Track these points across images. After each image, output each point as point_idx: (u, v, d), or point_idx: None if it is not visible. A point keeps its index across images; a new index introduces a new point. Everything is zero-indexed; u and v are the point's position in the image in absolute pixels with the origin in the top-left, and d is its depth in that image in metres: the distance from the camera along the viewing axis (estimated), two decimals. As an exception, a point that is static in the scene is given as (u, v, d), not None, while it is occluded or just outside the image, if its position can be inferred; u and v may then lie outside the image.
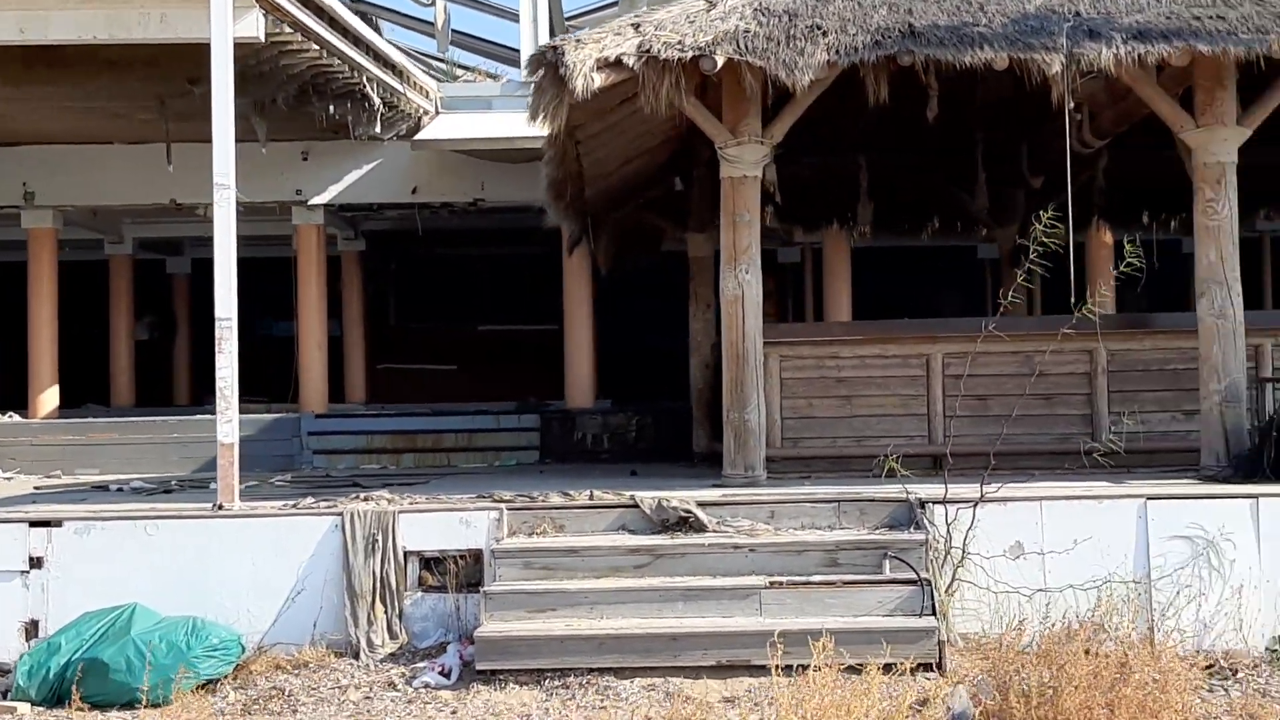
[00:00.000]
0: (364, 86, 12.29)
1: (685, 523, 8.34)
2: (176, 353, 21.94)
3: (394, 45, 15.61)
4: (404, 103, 14.41)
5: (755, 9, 9.67)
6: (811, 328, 11.70)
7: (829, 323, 11.31)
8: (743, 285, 9.93)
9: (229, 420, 8.68)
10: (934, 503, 8.33)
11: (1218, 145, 9.79)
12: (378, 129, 14.14)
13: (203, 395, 19.44)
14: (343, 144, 15.46)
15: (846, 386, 11.06)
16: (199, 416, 15.66)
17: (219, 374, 8.71)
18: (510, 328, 21.02)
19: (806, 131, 10.58)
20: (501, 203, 16.49)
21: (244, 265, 16.31)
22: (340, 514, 8.33)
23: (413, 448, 15.57)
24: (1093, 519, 8.27)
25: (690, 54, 9.09)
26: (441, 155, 15.85)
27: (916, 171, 14.48)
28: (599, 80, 9.03)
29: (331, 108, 12.81)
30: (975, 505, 8.26)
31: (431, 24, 19.97)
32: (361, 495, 8.96)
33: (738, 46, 9.17)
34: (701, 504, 8.47)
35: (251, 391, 17.56)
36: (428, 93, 15.35)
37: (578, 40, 9.02)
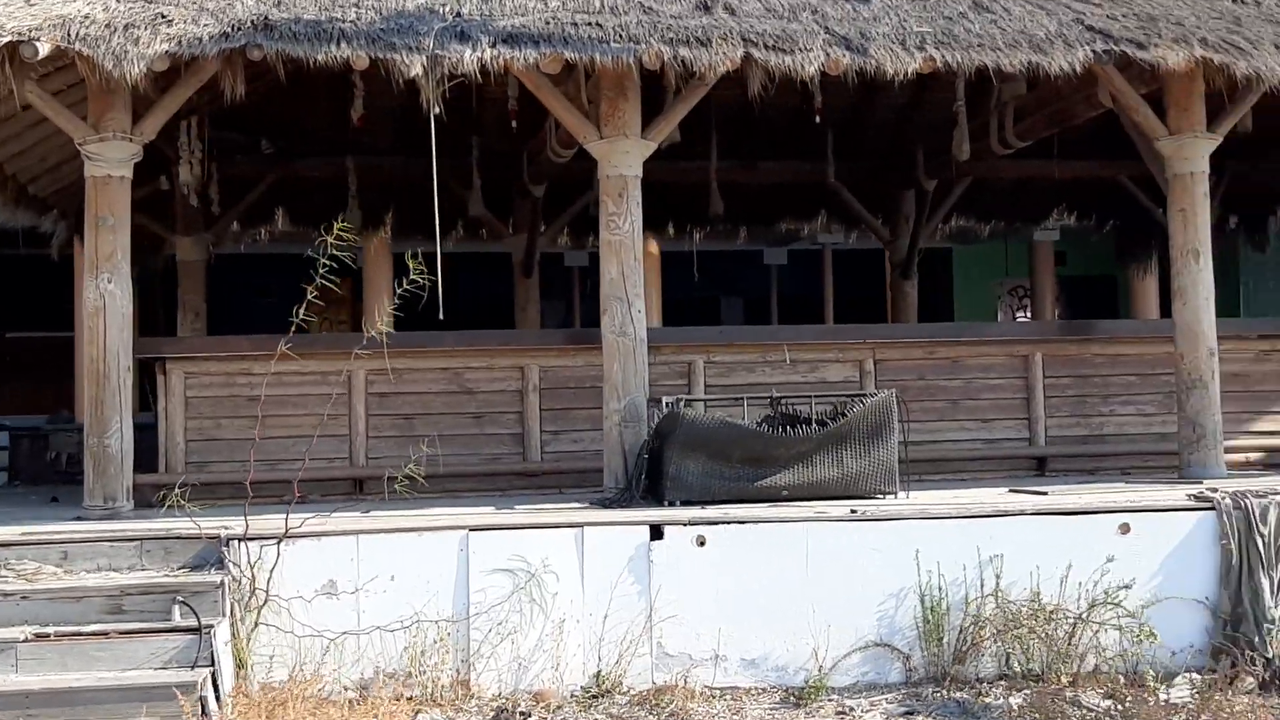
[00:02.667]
0: None
1: (-40, 567, 7.38)
2: None
3: None
4: None
5: (108, -6, 8.80)
6: (221, 341, 10.84)
7: (240, 337, 10.47)
8: (105, 296, 9.03)
9: None
10: (239, 540, 7.58)
11: (618, 158, 9.40)
12: None
13: None
14: None
15: (260, 406, 10.25)
16: None
17: None
18: (40, 335, 19.51)
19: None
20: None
21: None
22: None
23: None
24: (413, 553, 7.69)
25: (7, 39, 8.14)
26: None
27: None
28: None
29: None
30: (279, 542, 7.57)
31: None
32: None
33: (68, 33, 8.26)
34: (-6, 544, 7.54)
35: None
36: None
37: None
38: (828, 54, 8.85)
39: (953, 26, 9.18)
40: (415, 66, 8.43)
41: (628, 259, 9.44)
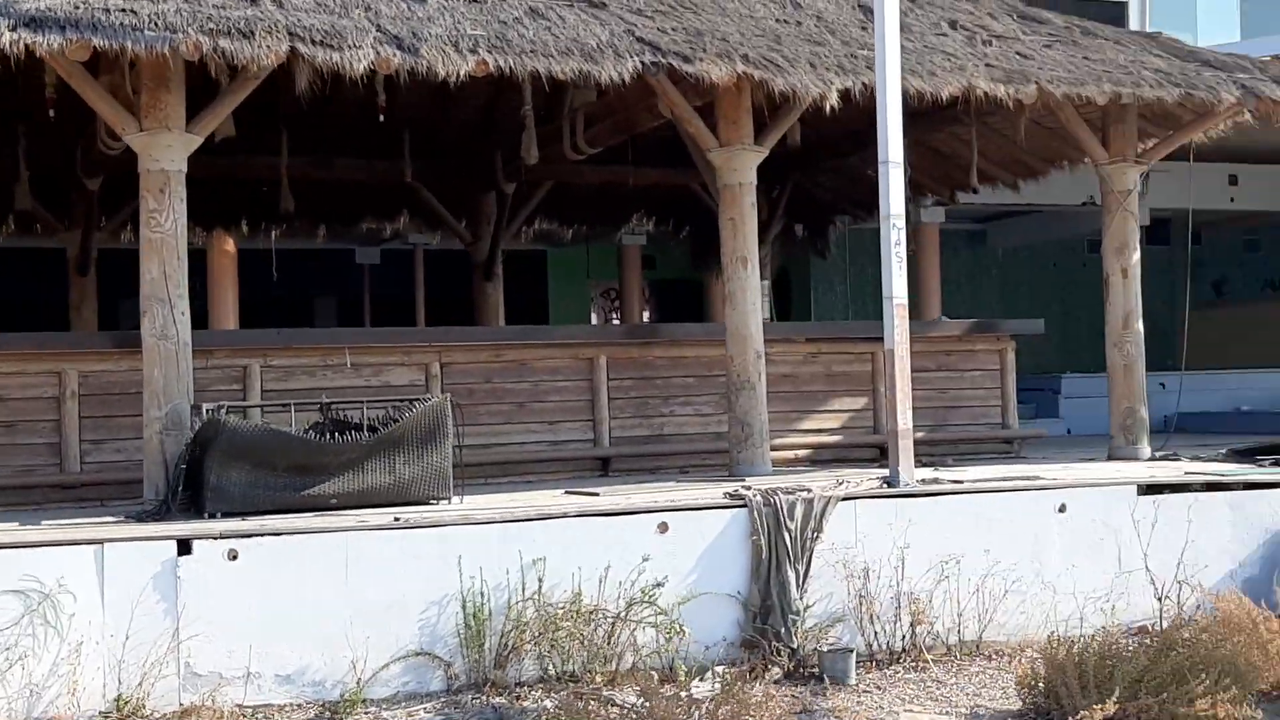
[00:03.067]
0: None
1: None
2: None
3: None
4: None
5: None
6: None
7: None
8: None
9: None
10: None
11: (160, 152, 8.96)
12: None
13: None
14: None
15: None
16: None
17: None
18: None
19: None
20: None
21: None
22: None
23: None
24: (-90, 577, 7.06)
25: None
26: None
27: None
28: None
29: None
30: None
31: None
32: None
33: None
34: None
35: None
36: None
37: None
38: (378, 52, 8.67)
39: (507, 31, 9.17)
40: (-77, 48, 7.76)
41: (170, 258, 9.00)
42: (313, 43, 8.57)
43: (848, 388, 11.97)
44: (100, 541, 7.31)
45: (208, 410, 8.63)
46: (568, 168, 13.67)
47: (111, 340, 10.27)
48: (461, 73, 8.81)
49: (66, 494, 9.83)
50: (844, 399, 11.97)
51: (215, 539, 7.46)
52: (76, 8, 8.33)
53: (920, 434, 10.41)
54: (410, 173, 13.99)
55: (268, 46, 8.45)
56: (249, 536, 7.52)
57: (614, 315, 22.37)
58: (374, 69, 8.72)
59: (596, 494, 9.02)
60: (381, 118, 10.28)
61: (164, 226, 9.00)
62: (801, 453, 11.70)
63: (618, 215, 16.75)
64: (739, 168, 10.35)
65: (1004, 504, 8.86)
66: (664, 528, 8.12)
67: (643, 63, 9.26)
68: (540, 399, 11.06)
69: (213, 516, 8.31)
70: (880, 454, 11.93)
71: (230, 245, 16.43)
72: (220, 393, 10.11)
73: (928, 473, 9.61)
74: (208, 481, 8.44)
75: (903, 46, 9.87)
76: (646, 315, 21.77)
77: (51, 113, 10.05)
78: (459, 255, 16.78)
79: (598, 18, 9.69)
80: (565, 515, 7.98)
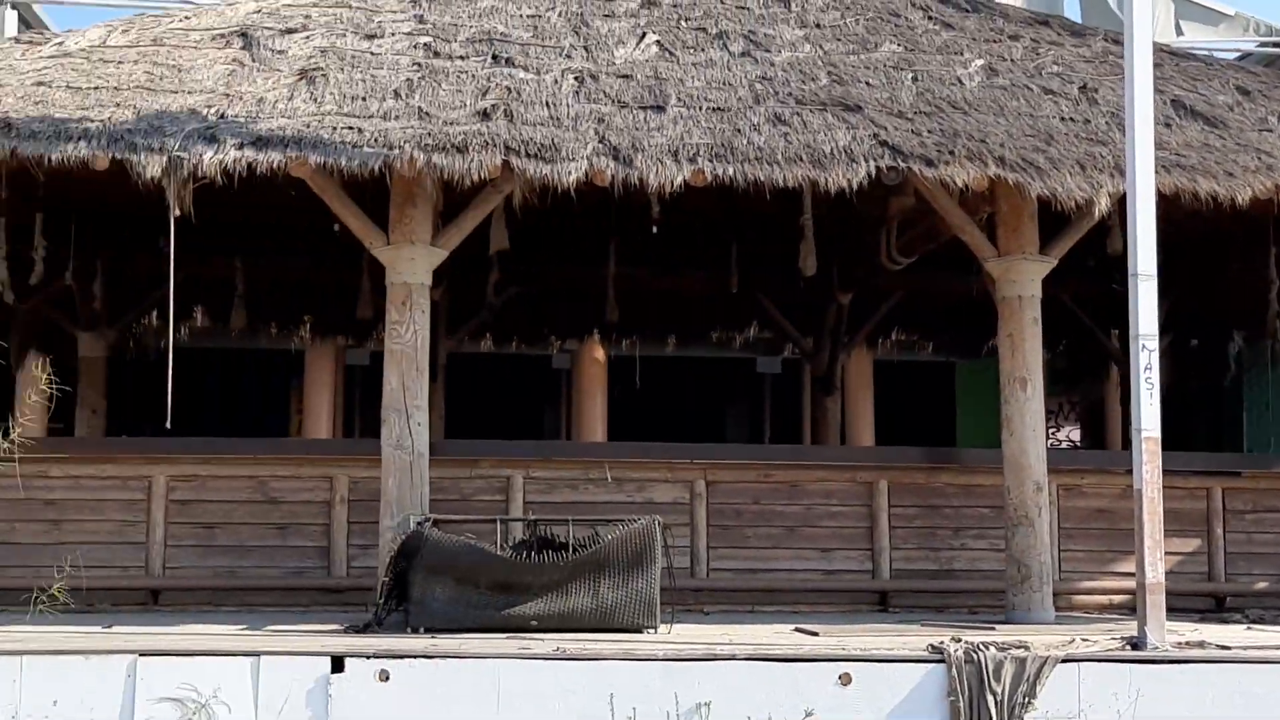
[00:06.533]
0: None
1: None
2: None
3: None
4: None
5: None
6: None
7: (40, 438, 10.30)
8: None
9: None
10: (-107, 656, 7.27)
11: (404, 265, 9.11)
12: None
13: None
14: None
15: (56, 509, 10.06)
16: None
17: None
18: None
19: None
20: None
21: None
22: None
23: None
24: (79, 677, 7.28)
25: None
26: None
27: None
28: None
29: None
30: (-70, 659, 7.24)
31: None
32: None
33: None
34: None
35: None
36: None
37: None
38: (592, 163, 8.48)
39: (736, 139, 8.75)
40: (154, 167, 8.22)
41: (409, 369, 9.10)
42: (526, 156, 8.48)
43: (1177, 527, 10.54)
44: (257, 653, 7.33)
45: (415, 522, 8.59)
46: (914, 276, 12.92)
47: (378, 448, 10.47)
48: (676, 182, 8.46)
49: (333, 598, 10.06)
50: (1171, 540, 10.51)
51: (368, 658, 7.31)
52: (307, 126, 8.62)
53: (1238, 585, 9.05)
54: (740, 282, 13.65)
55: (480, 160, 8.42)
56: (400, 658, 7.33)
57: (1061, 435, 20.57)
58: (588, 180, 8.51)
59: (816, 633, 8.29)
60: (654, 229, 10.06)
61: (404, 339, 9.11)
62: (1116, 599, 10.41)
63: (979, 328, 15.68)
64: (1018, 279, 9.41)
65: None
66: (846, 679, 7.30)
67: (878, 167, 8.59)
68: (813, 524, 10.40)
69: (415, 632, 8.24)
70: (1218, 605, 10.49)
71: (599, 354, 16.63)
72: (484, 503, 10.13)
73: (1193, 631, 8.26)
74: (412, 595, 8.39)
75: (1207, 144, 8.73)
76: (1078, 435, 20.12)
77: (336, 227, 10.48)
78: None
79: (846, 121, 9.10)
80: (733, 658, 7.32)
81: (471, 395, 16.89)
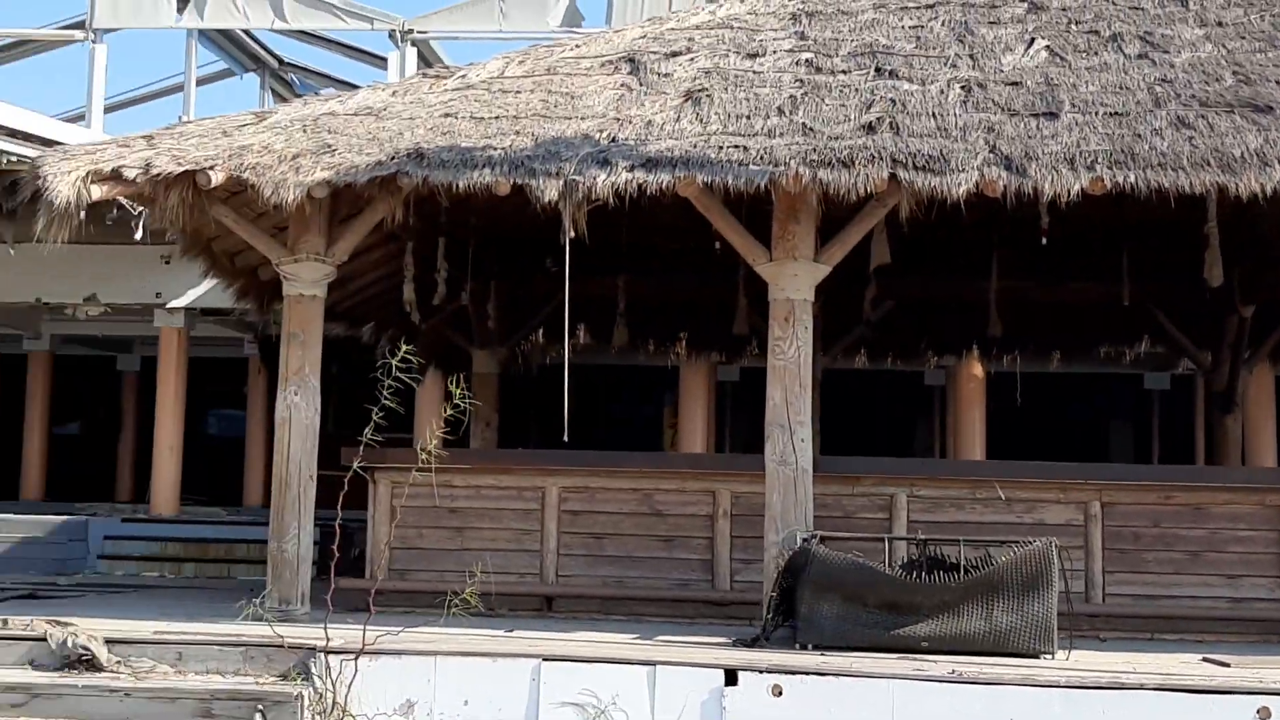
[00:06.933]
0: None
1: (85, 660, 7.96)
2: (121, 450, 22.34)
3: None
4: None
5: (302, 125, 9.44)
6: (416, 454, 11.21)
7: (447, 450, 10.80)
8: (291, 408, 9.58)
9: None
10: (324, 652, 7.78)
11: (786, 281, 9.15)
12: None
13: (144, 492, 19.69)
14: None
15: (459, 517, 10.55)
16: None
17: None
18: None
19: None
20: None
21: (195, 365, 17.07)
22: None
23: (203, 557, 15.42)
24: (487, 678, 7.63)
25: (184, 168, 8.87)
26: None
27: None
28: (98, 192, 8.88)
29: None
30: (357, 657, 7.69)
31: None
32: None
33: (240, 163, 8.91)
34: (114, 641, 8.08)
35: (193, 490, 17.87)
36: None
37: (67, 153, 8.89)
38: (983, 174, 8.30)
39: (1137, 145, 8.39)
40: (551, 191, 8.53)
41: (792, 385, 9.12)
42: (914, 168, 8.38)
43: None
44: (653, 663, 7.48)
45: (801, 539, 8.59)
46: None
47: (760, 463, 10.53)
48: (1073, 191, 8.17)
49: (717, 610, 10.15)
50: None
51: (761, 672, 7.37)
52: (694, 146, 8.77)
53: None
54: (1132, 293, 13.07)
55: (866, 174, 8.37)
56: (793, 673, 7.35)
57: None
58: (978, 191, 8.32)
59: (1227, 664, 7.83)
60: (1044, 240, 9.76)
61: (787, 354, 9.14)
62: None
63: None
64: None
65: None
66: (1265, 714, 6.86)
67: (1293, 170, 8.05)
68: (1218, 548, 9.82)
69: (804, 648, 8.25)
70: None
71: (978, 369, 16.30)
72: (866, 520, 10.04)
73: None
74: (799, 612, 8.39)
75: None
76: None
77: (717, 245, 10.62)
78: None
79: (1256, 123, 8.58)
80: (1140, 688, 6.99)
81: (844, 411, 16.82)
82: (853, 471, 10.16)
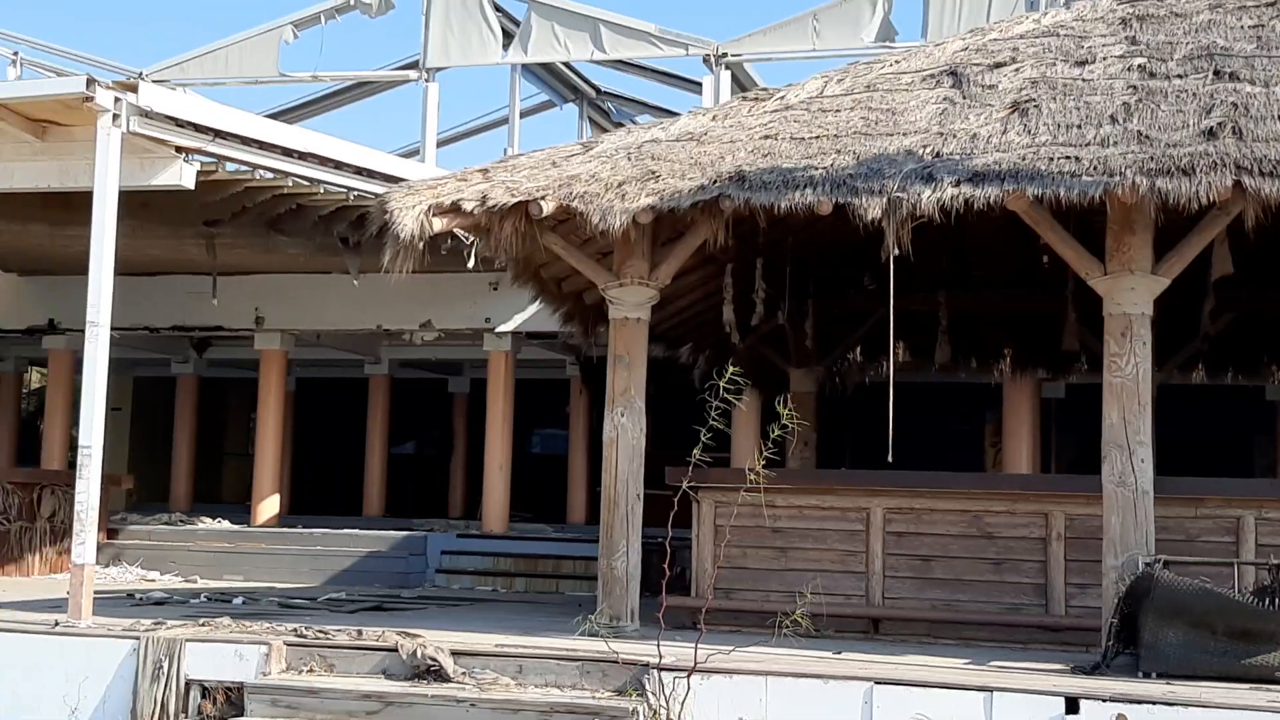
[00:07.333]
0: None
1: (433, 671, 8.31)
2: (453, 468, 23.35)
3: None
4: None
5: (627, 153, 9.66)
6: (743, 473, 11.23)
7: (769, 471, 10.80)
8: (618, 429, 9.81)
9: (83, 542, 9.43)
10: (656, 669, 7.89)
11: (1122, 295, 8.85)
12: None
13: (475, 509, 20.60)
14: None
15: (782, 538, 10.58)
16: (344, 530, 16.77)
17: (78, 498, 9.49)
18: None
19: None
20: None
21: (520, 387, 17.84)
22: (137, 639, 8.83)
23: (532, 572, 15.91)
24: (819, 700, 7.59)
25: (517, 199, 9.18)
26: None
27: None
28: (438, 225, 9.29)
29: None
30: (689, 675, 7.77)
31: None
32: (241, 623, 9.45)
33: (569, 192, 9.17)
34: (459, 653, 8.41)
35: (519, 506, 18.61)
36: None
37: (410, 189, 9.33)
38: (1337, 178, 7.82)
39: None
40: (874, 209, 8.48)
41: (1130, 404, 8.82)
42: (1261, 174, 7.98)
43: None
44: (989, 689, 7.31)
45: (1143, 564, 8.25)
46: None
47: (1095, 484, 10.17)
48: None
49: (1050, 636, 9.86)
50: None
51: (1104, 701, 7.11)
52: (1022, 159, 8.56)
53: None
54: None
55: (1208, 182, 8.01)
56: (1138, 703, 7.06)
57: None
58: (1336, 196, 7.85)
59: None
60: None
61: (1124, 371, 8.84)
62: None
63: None
64: None
65: None
66: None
67: None
68: None
69: (1147, 676, 7.93)
70: None
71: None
72: (1210, 544, 9.61)
73: None
74: (1142, 639, 8.07)
75: None
76: None
77: (1045, 259, 10.35)
78: None
79: None
80: None
81: (1177, 428, 16.13)
82: (1195, 493, 9.72)
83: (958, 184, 8.38)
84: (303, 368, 22.01)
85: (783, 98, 10.28)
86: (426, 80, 18.88)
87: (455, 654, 8.37)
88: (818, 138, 9.42)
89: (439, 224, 9.25)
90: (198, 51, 19.88)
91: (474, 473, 20.20)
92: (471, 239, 10.83)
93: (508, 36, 18.64)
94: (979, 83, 9.88)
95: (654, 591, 14.77)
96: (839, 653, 8.66)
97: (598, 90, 21.97)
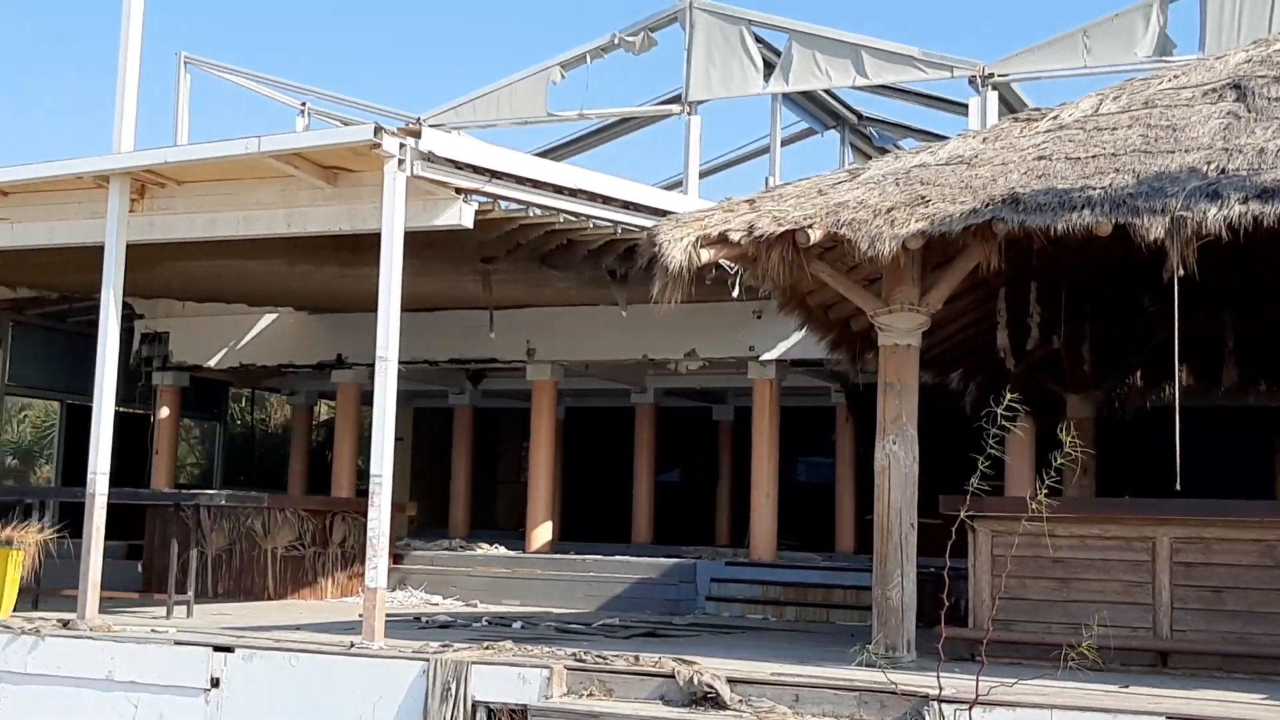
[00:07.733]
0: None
1: (709, 698, 8.39)
2: (719, 495, 23.54)
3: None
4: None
5: (895, 179, 9.62)
6: (1020, 502, 10.96)
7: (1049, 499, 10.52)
8: (889, 457, 9.74)
9: (375, 567, 9.86)
10: (937, 700, 7.79)
11: None
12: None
13: (741, 536, 20.79)
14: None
15: (1064, 568, 10.30)
16: (616, 557, 17.05)
17: (370, 524, 9.92)
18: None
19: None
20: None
21: (784, 414, 17.98)
22: (427, 661, 9.17)
23: (801, 601, 15.86)
24: (1114, 737, 7.37)
25: (784, 228, 9.23)
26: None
27: None
28: (706, 256, 9.41)
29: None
30: (970, 707, 7.64)
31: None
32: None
33: (837, 220, 9.18)
34: (735, 680, 8.46)
35: (785, 534, 18.73)
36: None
37: (678, 221, 9.48)
38: None
39: None
40: (1157, 229, 8.24)
41: None
42: None
43: None
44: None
45: None
46: None
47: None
48: None
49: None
50: None
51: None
52: (1318, 172, 8.20)
53: None
54: None
55: None
56: None
57: None
58: None
59: None
60: None
61: None
62: None
63: None
64: None
65: None
66: None
67: None
68: None
69: None
70: None
71: None
72: None
73: None
74: None
75: None
76: None
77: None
78: None
79: None
80: None
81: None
82: None
83: (1245, 201, 8.08)
84: (571, 397, 22.49)
85: (1056, 117, 10.08)
86: (689, 113, 19.14)
87: (731, 681, 8.43)
88: (1094, 157, 9.20)
89: (706, 255, 9.36)
90: (471, 95, 20.59)
91: (739, 500, 20.29)
92: (736, 268, 10.96)
93: (768, 66, 18.75)
94: (1264, 95, 9.51)
95: (928, 622, 14.64)
96: (1125, 686, 8.39)
97: (859, 116, 21.90)
